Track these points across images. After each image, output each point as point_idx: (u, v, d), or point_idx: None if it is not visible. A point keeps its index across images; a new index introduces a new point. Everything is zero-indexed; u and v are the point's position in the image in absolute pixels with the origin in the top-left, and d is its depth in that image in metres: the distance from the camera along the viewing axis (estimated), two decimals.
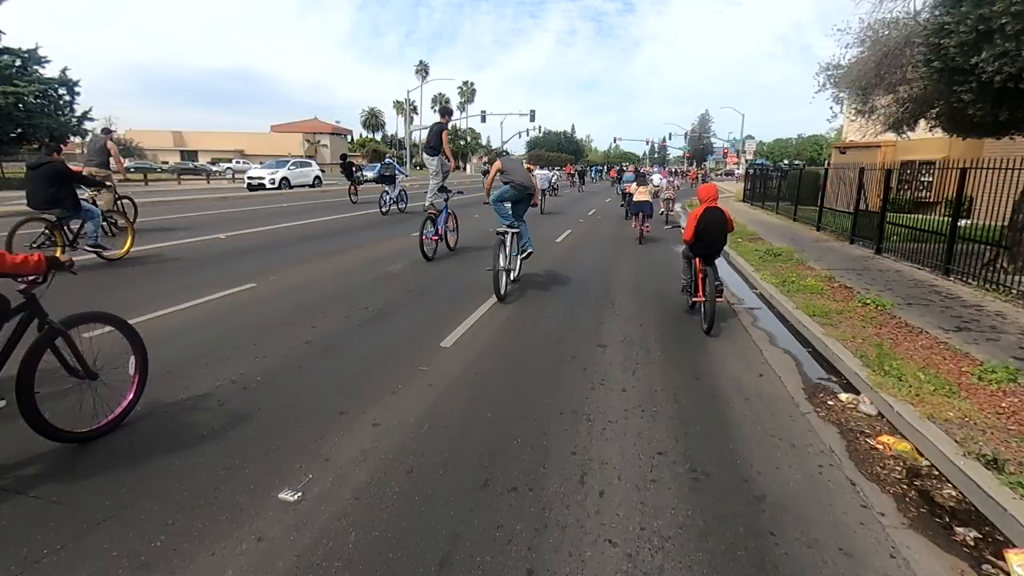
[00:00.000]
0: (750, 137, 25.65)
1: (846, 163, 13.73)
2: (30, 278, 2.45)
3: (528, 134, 57.26)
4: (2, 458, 2.42)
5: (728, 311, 5.78)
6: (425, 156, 8.94)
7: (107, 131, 9.52)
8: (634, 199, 10.80)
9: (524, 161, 7.36)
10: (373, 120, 74.71)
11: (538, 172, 18.52)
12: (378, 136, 74.32)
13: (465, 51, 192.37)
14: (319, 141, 67.20)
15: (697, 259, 5.19)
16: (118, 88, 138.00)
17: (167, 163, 42.88)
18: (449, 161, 9.08)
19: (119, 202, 8.88)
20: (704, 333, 4.87)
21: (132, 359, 2.84)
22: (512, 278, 6.31)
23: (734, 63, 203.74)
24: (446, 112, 9.14)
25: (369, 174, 23.38)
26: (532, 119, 41.73)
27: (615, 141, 68.85)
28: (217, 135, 59.16)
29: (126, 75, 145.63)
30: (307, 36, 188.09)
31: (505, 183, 6.28)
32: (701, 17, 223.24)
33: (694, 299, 5.26)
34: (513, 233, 6.20)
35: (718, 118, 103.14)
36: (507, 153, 8.05)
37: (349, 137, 71.04)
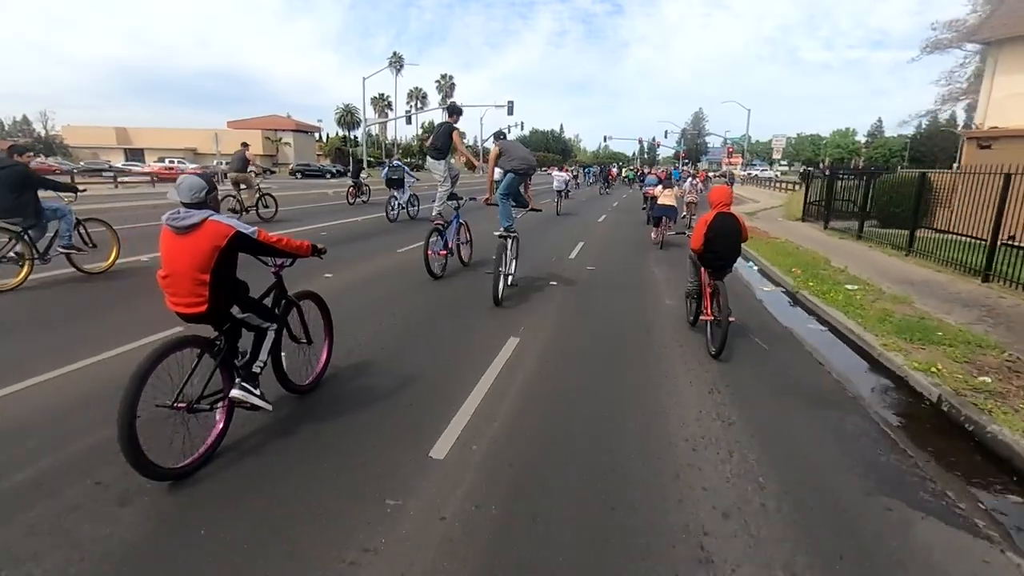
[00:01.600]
0: (780, 135, 24.70)
1: (985, 162, 9.14)
2: (287, 262, 3.31)
3: (510, 131, 57.59)
4: (272, 401, 3.15)
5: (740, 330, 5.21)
6: (429, 160, 8.36)
7: (245, 144, 12.59)
8: (659, 202, 10.96)
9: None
10: (349, 117, 74.30)
11: (556, 174, 20.39)
12: (356, 134, 73.82)
13: (455, 51, 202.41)
14: (280, 139, 66.34)
15: (704, 271, 4.99)
16: (105, 88, 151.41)
17: (82, 163, 40.03)
18: (473, 161, 9.00)
19: (263, 198, 12.86)
20: (712, 356, 4.64)
21: (323, 327, 3.80)
22: (510, 282, 6.64)
23: (722, 65, 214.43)
24: (454, 111, 8.43)
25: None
26: (510, 112, 38.82)
27: (605, 140, 69.93)
28: (167, 132, 57.81)
29: (113, 75, 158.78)
30: (296, 36, 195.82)
31: (508, 170, 6.53)
32: (689, 19, 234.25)
33: (702, 316, 4.99)
34: (513, 237, 6.65)
35: (712, 116, 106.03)
36: (504, 136, 7.66)
37: (318, 135, 70.44)
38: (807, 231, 14.30)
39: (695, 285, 5.28)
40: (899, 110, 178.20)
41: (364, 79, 38.92)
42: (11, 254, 6.24)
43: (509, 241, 6.52)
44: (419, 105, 76.50)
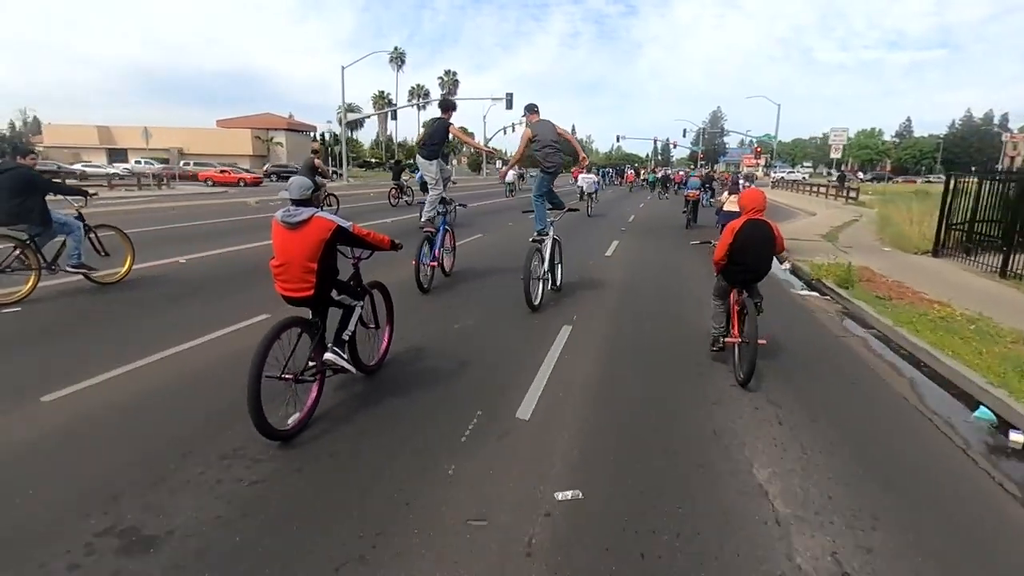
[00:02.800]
0: (840, 129, 19.58)
1: None
2: (364, 254, 3.93)
3: (514, 129, 56.90)
4: (346, 381, 4.08)
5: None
6: (420, 159, 7.98)
7: (315, 151, 13.43)
8: (724, 208, 10.87)
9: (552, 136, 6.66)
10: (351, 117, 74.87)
11: (582, 176, 20.74)
12: (358, 134, 74.28)
13: (468, 53, 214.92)
14: (272, 138, 66.62)
15: (733, 289, 4.58)
16: (117, 88, 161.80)
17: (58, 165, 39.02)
18: (486, 149, 9.02)
19: (328, 198, 14.58)
20: (740, 385, 4.28)
21: (386, 314, 4.48)
22: (552, 287, 6.77)
23: (735, 66, 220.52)
24: (448, 106, 8.09)
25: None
26: (509, 106, 38.10)
27: (618, 140, 69.86)
28: (153, 131, 58.14)
29: (125, 76, 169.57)
30: (308, 37, 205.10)
31: (539, 151, 6.52)
32: (702, 20, 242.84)
33: (725, 340, 4.63)
34: (553, 240, 6.61)
35: (731, 115, 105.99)
36: (537, 110, 6.82)
37: (313, 134, 70.72)
38: (973, 282, 8.85)
39: (724, 303, 4.76)
40: (913, 109, 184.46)
41: (343, 68, 36.51)
42: (16, 264, 6.12)
43: (544, 245, 6.44)
44: (421, 104, 76.99)
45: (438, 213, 7.57)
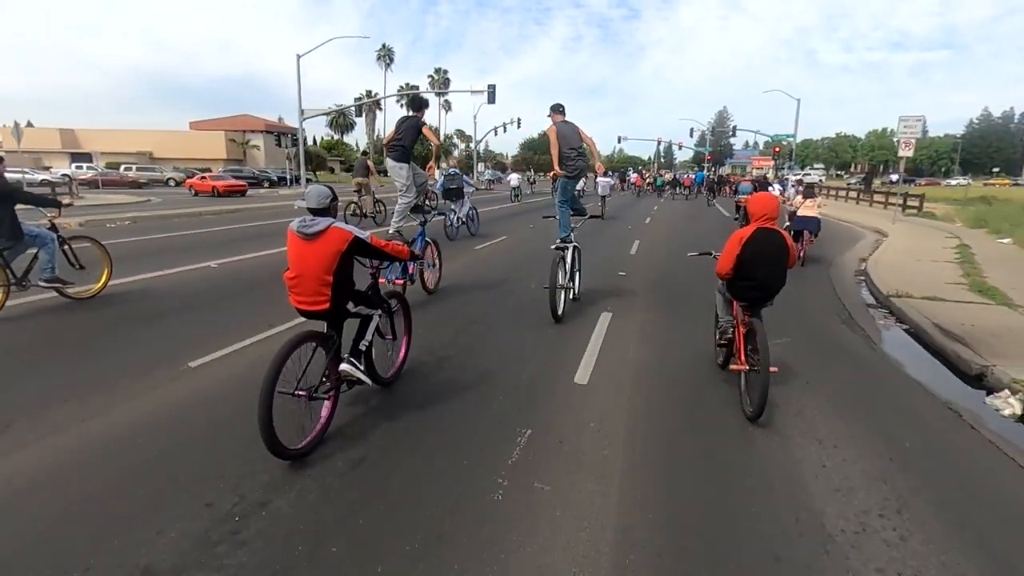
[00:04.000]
0: (912, 118, 14.38)
1: None
2: (383, 264, 4.23)
3: (505, 129, 56.62)
4: (366, 392, 4.18)
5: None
6: (389, 163, 7.54)
7: (365, 153, 16.53)
8: (799, 214, 10.79)
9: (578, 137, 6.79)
10: (341, 119, 74.95)
11: (601, 179, 21.69)
12: (348, 136, 74.11)
13: (472, 57, 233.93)
14: (248, 141, 66.39)
15: (737, 305, 4.36)
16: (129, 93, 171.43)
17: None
18: (432, 161, 8.24)
19: (377, 203, 15.68)
20: (748, 420, 3.96)
21: (404, 325, 4.57)
22: (572, 296, 6.86)
23: (739, 68, 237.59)
24: (419, 104, 7.72)
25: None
26: (491, 100, 35.04)
27: (619, 141, 69.99)
28: (120, 133, 57.85)
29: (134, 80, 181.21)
30: (314, 43, 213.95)
31: (566, 158, 6.59)
32: (706, 23, 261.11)
33: (732, 366, 4.37)
34: (574, 247, 6.70)
35: (738, 116, 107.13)
36: (563, 110, 6.84)
37: (294, 136, 70.69)
38: None
39: (727, 322, 4.51)
40: (917, 109, 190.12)
41: (298, 56, 32.44)
42: None
43: (568, 253, 6.56)
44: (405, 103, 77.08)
45: (419, 225, 7.05)
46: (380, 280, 6.22)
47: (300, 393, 3.27)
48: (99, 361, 4.84)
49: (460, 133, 61.09)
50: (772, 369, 3.84)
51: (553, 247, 6.66)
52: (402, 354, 4.59)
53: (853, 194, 33.08)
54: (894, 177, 67.72)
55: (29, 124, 52.69)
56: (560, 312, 6.32)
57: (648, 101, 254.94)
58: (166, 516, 2.76)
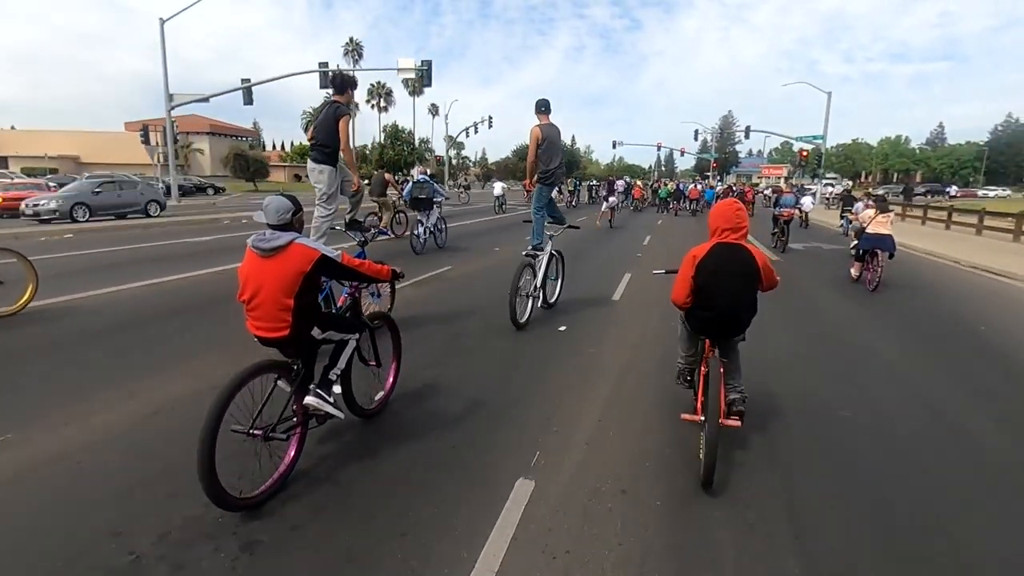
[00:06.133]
0: None
1: None
2: (364, 284, 4.34)
3: (476, 130, 55.33)
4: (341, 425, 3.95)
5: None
6: (310, 164, 6.57)
7: (382, 167, 15.01)
8: (868, 231, 10.15)
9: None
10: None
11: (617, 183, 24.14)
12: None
13: (475, 67, 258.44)
14: (190, 144, 65.67)
15: (707, 340, 3.92)
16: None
17: None
18: (354, 172, 6.89)
19: (397, 215, 15.85)
20: (701, 486, 3.41)
21: (392, 350, 4.49)
22: (547, 303, 7.30)
23: (740, 78, 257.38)
24: (343, 84, 6.55)
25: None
26: (428, 82, 30.50)
27: (614, 146, 68.97)
28: (42, 135, 57.05)
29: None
30: (319, 54, 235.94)
31: (544, 176, 6.97)
32: (708, 34, 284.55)
33: (684, 415, 3.83)
34: (552, 254, 7.15)
35: (745, 119, 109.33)
36: (548, 109, 7.01)
37: (253, 140, 69.97)
38: None
39: (689, 360, 4.12)
40: (919, 118, 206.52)
41: (161, 22, 28.21)
42: None
43: (538, 260, 6.91)
44: (383, 104, 77.18)
45: (359, 244, 5.95)
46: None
47: (255, 432, 3.13)
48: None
49: (450, 139, 60.95)
50: (729, 422, 3.52)
51: (524, 253, 6.94)
52: (389, 383, 4.45)
53: (905, 207, 29.04)
54: (952, 190, 65.75)
55: None
56: (524, 320, 6.53)
57: (650, 111, 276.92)
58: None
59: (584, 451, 3.86)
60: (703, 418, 3.52)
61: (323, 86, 29.37)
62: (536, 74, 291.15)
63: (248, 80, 29.64)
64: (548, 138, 6.91)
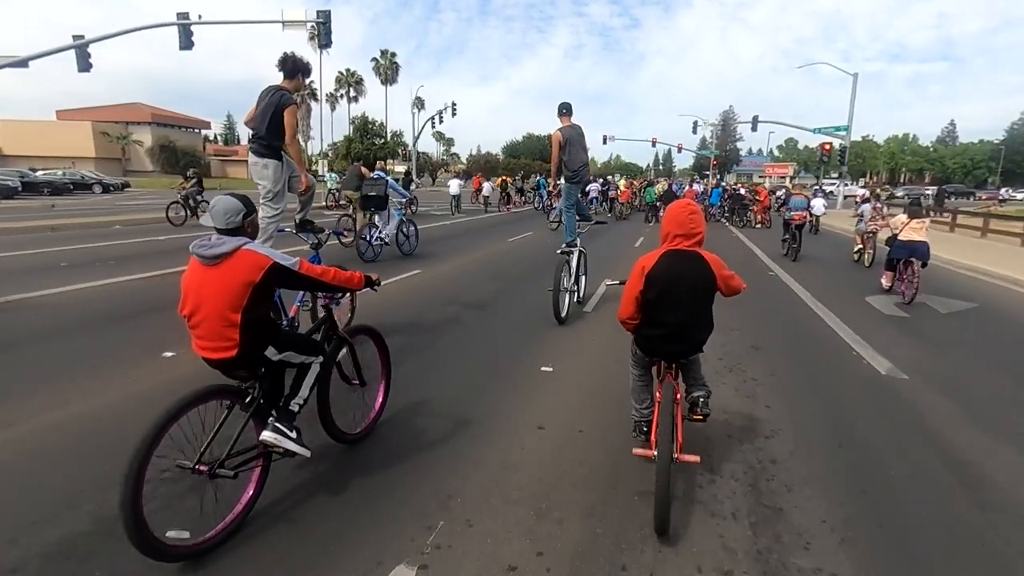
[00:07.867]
0: None
1: None
2: (339, 296, 4.27)
3: (441, 120, 50.90)
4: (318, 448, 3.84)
5: None
6: (251, 159, 6.24)
7: (359, 159, 15.91)
8: (900, 238, 9.85)
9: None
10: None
11: (592, 185, 23.86)
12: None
13: (474, 64, 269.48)
14: (130, 134, 64.03)
15: (655, 364, 3.82)
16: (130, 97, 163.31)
17: None
18: (302, 170, 6.49)
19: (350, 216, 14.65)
20: (655, 531, 3.19)
21: (380, 366, 4.42)
22: (577, 299, 8.29)
23: (739, 77, 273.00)
24: (294, 68, 6.12)
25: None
26: (327, 41, 25.00)
27: (605, 142, 67.85)
28: None
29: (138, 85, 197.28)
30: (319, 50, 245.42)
31: (571, 175, 7.98)
32: (706, 33, 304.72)
33: (635, 450, 3.53)
34: (579, 252, 8.17)
35: (748, 113, 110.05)
36: (570, 111, 8.07)
37: (207, 133, 68.29)
38: None
39: (643, 411, 3.90)
40: (918, 117, 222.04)
41: None
42: None
43: (573, 257, 7.94)
44: (352, 93, 76.25)
45: (312, 248, 5.86)
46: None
47: (201, 468, 2.93)
48: None
49: (439, 136, 60.43)
50: (688, 457, 3.35)
51: (559, 251, 7.93)
52: (377, 403, 4.38)
53: (934, 212, 26.37)
54: (1004, 192, 63.13)
55: None
56: (564, 315, 7.49)
57: (649, 108, 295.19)
58: None
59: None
60: (656, 453, 3.27)
61: (183, 47, 22.68)
62: (535, 71, 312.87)
63: (81, 37, 22.20)
64: (570, 140, 7.89)
